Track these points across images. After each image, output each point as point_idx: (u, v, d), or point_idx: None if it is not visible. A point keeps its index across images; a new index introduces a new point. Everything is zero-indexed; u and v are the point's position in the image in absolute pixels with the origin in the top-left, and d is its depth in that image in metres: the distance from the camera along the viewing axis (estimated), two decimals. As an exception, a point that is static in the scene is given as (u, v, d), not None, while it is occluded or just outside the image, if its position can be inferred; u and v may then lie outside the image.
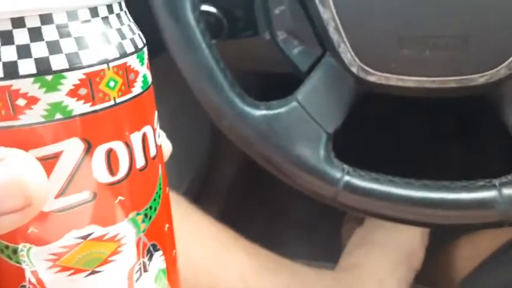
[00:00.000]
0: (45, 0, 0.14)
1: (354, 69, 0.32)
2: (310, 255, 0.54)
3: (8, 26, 0.14)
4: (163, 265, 0.19)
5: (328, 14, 0.31)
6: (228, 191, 0.63)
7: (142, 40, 0.18)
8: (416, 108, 0.35)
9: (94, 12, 0.16)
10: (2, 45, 0.14)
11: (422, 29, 0.29)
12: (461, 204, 0.31)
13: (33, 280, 0.16)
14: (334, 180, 0.33)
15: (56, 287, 0.16)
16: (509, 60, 0.29)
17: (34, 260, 0.16)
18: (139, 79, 0.17)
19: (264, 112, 0.34)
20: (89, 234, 0.16)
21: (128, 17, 0.17)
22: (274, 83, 0.38)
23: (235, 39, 0.48)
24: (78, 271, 0.16)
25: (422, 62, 0.30)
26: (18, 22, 0.14)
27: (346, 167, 0.34)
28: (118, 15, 0.17)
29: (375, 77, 0.32)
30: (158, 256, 0.18)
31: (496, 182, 0.31)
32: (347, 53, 0.32)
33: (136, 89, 0.17)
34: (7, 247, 0.16)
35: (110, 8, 0.16)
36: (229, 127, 0.35)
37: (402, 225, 0.56)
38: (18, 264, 0.16)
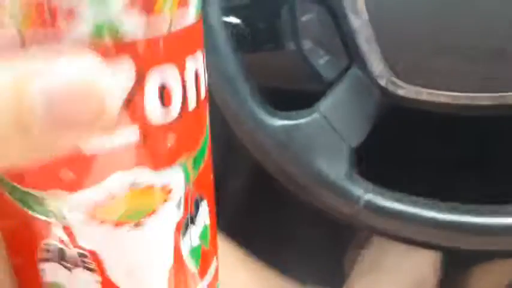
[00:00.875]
0: None
1: (383, 82, 0.31)
2: (313, 280, 0.53)
3: None
4: (208, 220, 0.17)
5: (359, 22, 0.30)
6: (234, 206, 0.62)
7: None
8: (444, 128, 0.34)
9: None
10: None
11: (457, 41, 0.28)
12: (489, 229, 0.30)
13: (64, 237, 0.14)
14: (355, 198, 0.32)
15: (91, 243, 0.14)
16: (549, 80, 0.28)
17: (66, 212, 0.14)
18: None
19: (284, 122, 0.33)
20: (135, 180, 0.14)
21: None
22: (295, 99, 0.38)
23: (258, 52, 0.48)
24: (119, 224, 0.14)
25: (457, 76, 0.29)
26: None
27: (368, 184, 0.32)
28: None
29: (404, 90, 0.31)
30: (204, 209, 0.17)
31: (529, 208, 0.30)
32: (376, 64, 0.31)
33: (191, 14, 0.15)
34: (29, 195, 0.14)
35: None
36: (248, 135, 0.34)
37: (412, 252, 0.55)
38: (43, 217, 0.14)
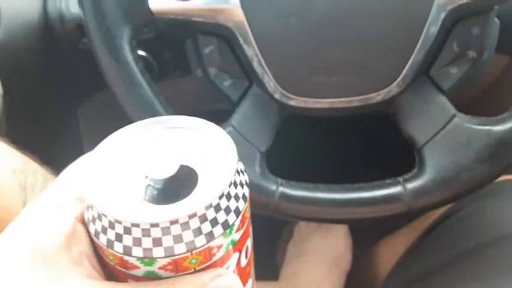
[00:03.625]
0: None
1: (277, 96, 0.38)
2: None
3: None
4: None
5: (251, 51, 0.37)
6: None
7: (236, 213, 0.21)
8: (335, 125, 0.42)
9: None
10: (125, 233, 0.20)
11: (328, 60, 0.36)
12: (375, 200, 0.37)
13: None
14: (271, 192, 0.38)
15: None
16: (398, 80, 0.36)
17: None
18: (223, 248, 0.21)
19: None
20: None
21: (228, 199, 0.21)
22: (209, 118, 0.43)
23: (168, 80, 0.52)
24: None
25: (331, 86, 0.36)
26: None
27: (279, 179, 0.39)
28: (217, 206, 0.20)
29: (295, 101, 0.38)
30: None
31: (400, 179, 0.38)
32: (270, 83, 0.38)
33: (218, 254, 0.21)
34: None
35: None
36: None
37: (329, 234, 0.63)
38: None
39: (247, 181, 0.23)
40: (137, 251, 0.20)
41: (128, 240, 0.20)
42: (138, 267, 0.21)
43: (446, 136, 0.35)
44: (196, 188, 0.21)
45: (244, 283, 0.24)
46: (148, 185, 0.21)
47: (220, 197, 0.20)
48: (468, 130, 0.35)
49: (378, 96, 0.37)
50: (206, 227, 0.20)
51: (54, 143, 0.61)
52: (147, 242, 0.20)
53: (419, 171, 0.37)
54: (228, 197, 0.21)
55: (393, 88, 0.36)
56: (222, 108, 0.42)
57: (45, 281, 0.19)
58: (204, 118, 0.24)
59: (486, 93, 0.51)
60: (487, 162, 0.35)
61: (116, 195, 0.21)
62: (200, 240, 0.20)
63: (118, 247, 0.20)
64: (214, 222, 0.20)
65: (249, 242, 0.24)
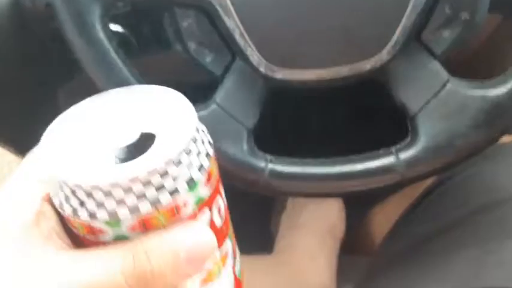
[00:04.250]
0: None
1: (262, 69, 0.36)
2: (246, 250, 0.58)
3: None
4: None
5: (232, 23, 0.35)
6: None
7: (200, 170, 0.21)
8: (323, 97, 0.40)
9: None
10: (87, 197, 0.20)
11: (312, 26, 0.34)
12: (367, 172, 0.36)
13: None
14: (260, 169, 0.37)
15: None
16: (388, 46, 0.34)
17: None
18: (190, 205, 0.21)
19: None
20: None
21: (189, 155, 0.21)
22: (190, 92, 0.41)
23: (148, 55, 0.50)
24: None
25: (317, 55, 0.35)
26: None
27: (268, 156, 0.38)
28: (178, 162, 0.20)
29: (281, 73, 0.36)
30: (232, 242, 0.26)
31: (393, 149, 0.37)
32: (254, 55, 0.36)
33: (186, 211, 0.21)
34: None
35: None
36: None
37: (321, 205, 0.63)
38: None
39: (211, 141, 0.23)
40: (102, 214, 0.20)
41: (91, 204, 0.20)
42: (106, 232, 0.21)
43: (439, 103, 0.34)
44: (156, 146, 0.21)
45: (219, 243, 0.24)
46: (110, 153, 0.21)
47: (181, 153, 0.21)
48: (462, 95, 0.34)
49: (367, 65, 0.35)
50: (169, 183, 0.20)
51: (34, 126, 0.59)
52: (110, 204, 0.20)
53: (412, 140, 0.36)
54: (189, 152, 0.21)
55: (383, 55, 0.34)
56: (206, 83, 0.40)
57: (17, 256, 0.20)
58: (187, 94, 0.24)
59: (478, 56, 0.49)
60: (482, 127, 0.33)
61: (77, 164, 0.21)
62: (164, 197, 0.20)
63: (83, 213, 0.20)
64: (176, 177, 0.20)
65: (221, 202, 0.24)
